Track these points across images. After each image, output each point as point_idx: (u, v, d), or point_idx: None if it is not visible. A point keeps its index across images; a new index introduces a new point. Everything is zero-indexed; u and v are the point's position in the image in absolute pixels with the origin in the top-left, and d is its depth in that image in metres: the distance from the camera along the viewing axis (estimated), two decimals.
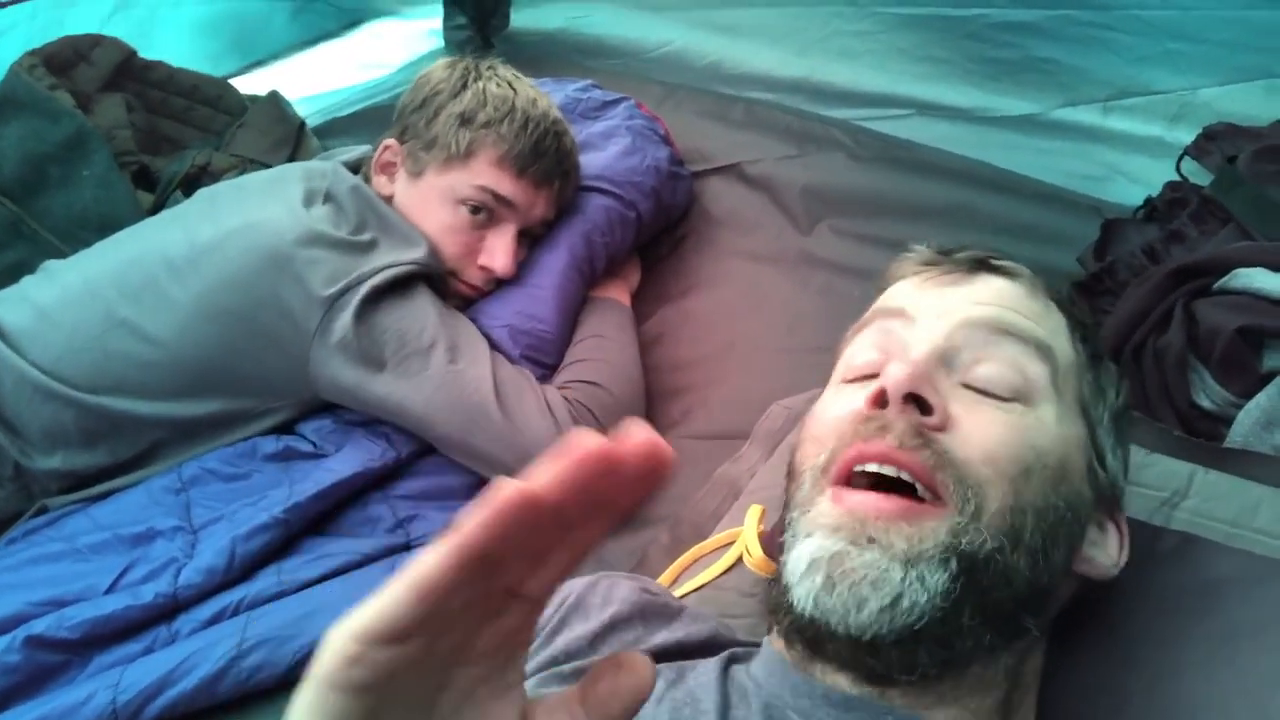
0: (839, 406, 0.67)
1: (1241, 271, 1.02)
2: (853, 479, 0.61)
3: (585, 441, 0.32)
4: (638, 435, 0.33)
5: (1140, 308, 1.07)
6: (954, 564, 0.57)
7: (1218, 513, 0.84)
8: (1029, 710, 0.66)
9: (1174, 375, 1.02)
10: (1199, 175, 1.28)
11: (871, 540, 0.57)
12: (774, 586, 0.65)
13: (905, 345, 0.67)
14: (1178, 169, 1.29)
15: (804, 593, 0.58)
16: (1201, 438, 0.96)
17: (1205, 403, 1.01)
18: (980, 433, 0.61)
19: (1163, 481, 0.88)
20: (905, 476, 0.59)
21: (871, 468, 0.60)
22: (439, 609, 0.33)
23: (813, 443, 0.66)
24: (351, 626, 0.34)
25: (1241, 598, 0.70)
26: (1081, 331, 0.71)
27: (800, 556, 0.59)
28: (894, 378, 0.61)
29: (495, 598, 0.36)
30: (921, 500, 0.59)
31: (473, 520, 0.32)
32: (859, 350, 0.71)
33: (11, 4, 1.73)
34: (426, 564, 0.33)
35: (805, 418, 0.72)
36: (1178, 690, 0.68)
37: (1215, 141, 1.28)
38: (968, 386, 0.64)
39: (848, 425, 0.63)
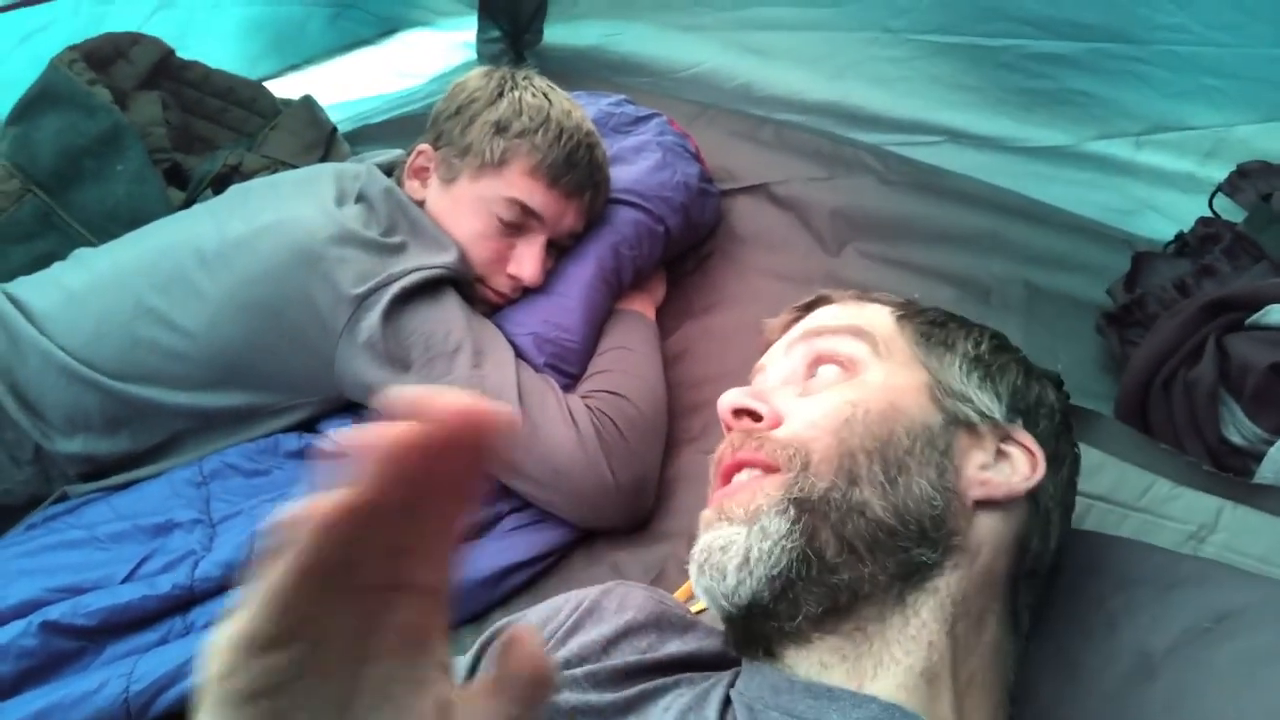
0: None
1: (1275, 308, 1.02)
2: None
3: (385, 433, 0.31)
4: (444, 405, 0.32)
5: (1172, 340, 1.07)
6: (792, 510, 0.62)
7: (1247, 548, 0.83)
8: (991, 691, 0.66)
9: (1204, 409, 1.02)
10: (1231, 212, 1.28)
11: (721, 518, 0.65)
12: None
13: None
14: (1210, 205, 1.29)
15: (698, 590, 0.64)
16: (1230, 473, 0.96)
17: (1235, 438, 1.00)
18: (805, 410, 0.69)
19: (1190, 515, 0.87)
20: (755, 473, 0.67)
21: (737, 479, 0.68)
22: (302, 616, 0.33)
23: None
24: (220, 638, 0.34)
25: (1268, 622, 0.69)
26: (905, 312, 0.78)
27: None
28: (719, 404, 0.72)
29: (371, 596, 0.35)
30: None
31: (295, 539, 0.31)
32: None
33: None
34: (270, 575, 0.32)
35: None
36: (1199, 711, 0.66)
37: (1248, 179, 1.28)
38: (810, 386, 0.73)
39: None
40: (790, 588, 0.61)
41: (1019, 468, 0.70)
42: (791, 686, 0.62)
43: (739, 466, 0.68)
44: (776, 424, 0.68)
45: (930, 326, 0.77)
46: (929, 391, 0.70)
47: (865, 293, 0.82)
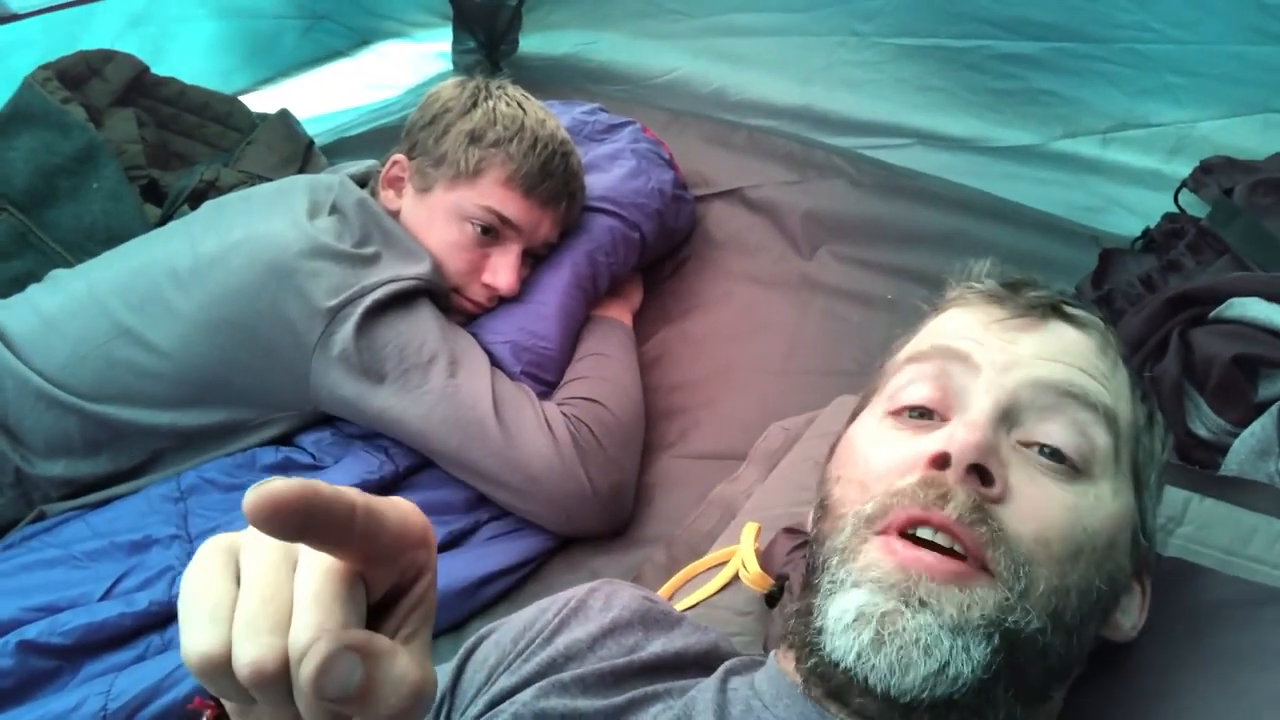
0: (890, 453, 0.65)
1: (1237, 301, 1.03)
2: (903, 535, 0.60)
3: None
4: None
5: (1138, 335, 1.08)
6: (997, 639, 0.56)
7: (1212, 540, 0.84)
8: None
9: (1170, 403, 1.03)
10: (1196, 207, 1.29)
11: (923, 604, 0.56)
12: (797, 621, 0.65)
13: (966, 394, 0.65)
14: (1175, 201, 1.31)
15: (846, 645, 0.57)
16: (1197, 465, 0.97)
17: (1201, 430, 1.01)
18: (1037, 511, 0.60)
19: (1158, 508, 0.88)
20: (959, 548, 0.58)
21: (925, 533, 0.59)
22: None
23: (857, 487, 0.65)
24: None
25: (1238, 622, 0.70)
26: (1141, 390, 0.69)
27: (847, 608, 0.58)
28: (961, 444, 0.59)
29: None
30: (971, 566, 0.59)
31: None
32: (913, 385, 0.68)
33: (27, 17, 1.74)
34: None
35: (840, 446, 0.71)
36: (1175, 713, 0.67)
37: (1212, 174, 1.30)
38: (1027, 448, 0.63)
39: (903, 482, 0.61)
40: (950, 706, 0.56)
41: (1132, 613, 0.67)
42: None
43: (945, 530, 0.58)
44: (1001, 498, 0.60)
45: (1153, 421, 0.69)
46: (1133, 528, 0.65)
47: (1105, 324, 0.71)
